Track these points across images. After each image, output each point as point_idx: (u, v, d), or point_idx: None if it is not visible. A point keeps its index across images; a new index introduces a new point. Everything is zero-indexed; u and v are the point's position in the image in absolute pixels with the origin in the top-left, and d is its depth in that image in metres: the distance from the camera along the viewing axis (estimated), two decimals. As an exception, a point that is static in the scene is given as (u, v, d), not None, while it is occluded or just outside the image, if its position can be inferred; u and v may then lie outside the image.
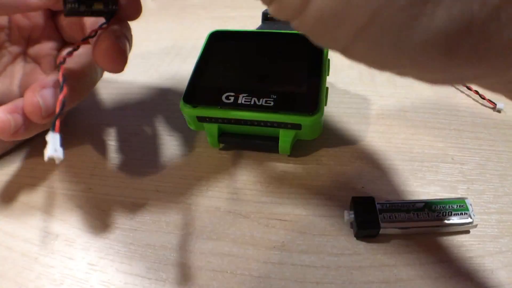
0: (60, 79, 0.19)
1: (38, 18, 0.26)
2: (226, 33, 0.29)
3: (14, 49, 0.26)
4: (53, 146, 0.16)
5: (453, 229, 0.21)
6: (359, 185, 0.24)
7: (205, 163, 0.26)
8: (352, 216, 0.21)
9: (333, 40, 0.12)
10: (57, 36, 0.27)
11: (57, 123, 0.17)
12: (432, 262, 0.20)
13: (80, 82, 0.25)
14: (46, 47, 0.27)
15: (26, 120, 0.22)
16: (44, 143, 0.16)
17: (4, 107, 0.22)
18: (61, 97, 0.18)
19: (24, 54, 0.27)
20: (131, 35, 0.24)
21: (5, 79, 0.25)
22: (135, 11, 0.22)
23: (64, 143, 0.22)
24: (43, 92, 0.22)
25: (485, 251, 0.21)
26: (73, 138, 0.24)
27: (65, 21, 0.27)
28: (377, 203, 0.22)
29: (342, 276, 0.20)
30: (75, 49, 0.21)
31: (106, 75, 0.27)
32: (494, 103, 0.29)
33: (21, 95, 0.26)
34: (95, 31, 0.21)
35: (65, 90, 0.19)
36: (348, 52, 0.12)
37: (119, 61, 0.22)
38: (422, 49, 0.11)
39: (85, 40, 0.21)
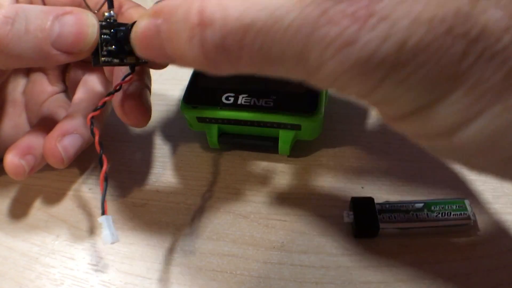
0: (98, 148, 0.18)
1: None
2: None
3: None
4: (110, 231, 0.17)
5: (452, 229, 0.21)
6: (358, 186, 0.24)
7: (205, 163, 0.26)
8: (352, 216, 0.21)
9: (467, 162, 0.13)
10: None
11: (105, 205, 0.17)
12: (431, 263, 0.20)
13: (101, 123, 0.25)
14: None
15: (38, 159, 0.22)
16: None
17: (15, 150, 0.21)
18: (102, 176, 0.18)
19: None
20: (150, 81, 0.23)
21: (9, 86, 0.25)
22: (163, 64, 0.21)
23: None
24: (64, 142, 0.21)
25: (484, 251, 0.21)
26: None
27: None
28: (377, 204, 0.22)
29: (341, 276, 0.20)
30: (102, 107, 0.20)
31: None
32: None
33: (26, 103, 0.26)
34: (120, 85, 0.20)
35: (104, 166, 0.18)
36: (475, 169, 0.13)
37: (144, 118, 0.21)
38: None
39: (111, 95, 0.20)
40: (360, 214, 0.21)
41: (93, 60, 0.18)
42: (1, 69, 0.21)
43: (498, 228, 0.22)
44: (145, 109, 0.21)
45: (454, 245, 0.21)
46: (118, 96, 0.21)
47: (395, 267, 0.20)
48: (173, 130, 0.29)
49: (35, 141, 0.22)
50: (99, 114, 0.20)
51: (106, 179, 0.18)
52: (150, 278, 0.21)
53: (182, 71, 0.35)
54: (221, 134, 0.26)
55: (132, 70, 0.20)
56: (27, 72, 0.26)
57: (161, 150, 0.27)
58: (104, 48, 0.18)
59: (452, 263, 0.20)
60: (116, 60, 0.18)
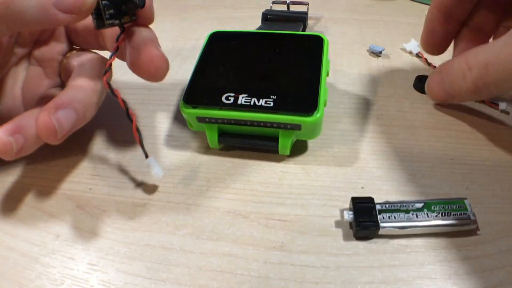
0: (123, 105, 0.22)
1: None
2: (226, 34, 0.29)
3: (21, 50, 0.25)
4: (157, 169, 0.23)
5: (452, 229, 0.21)
6: (358, 185, 0.24)
7: (205, 163, 0.26)
8: (352, 216, 0.21)
9: None
10: (65, 40, 0.27)
11: (145, 150, 0.23)
12: (431, 262, 0.20)
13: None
14: (52, 51, 0.26)
15: (28, 140, 0.21)
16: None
17: (5, 127, 0.21)
18: (134, 127, 0.22)
19: (29, 56, 0.26)
20: (155, 36, 0.24)
21: (9, 80, 0.25)
22: (149, 19, 0.23)
23: (65, 143, 0.23)
24: (58, 115, 0.21)
25: (484, 251, 0.21)
26: (73, 138, 0.24)
27: (81, 26, 0.26)
28: (377, 203, 0.22)
29: (341, 276, 0.20)
30: (109, 69, 0.22)
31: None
32: (495, 103, 0.29)
33: (24, 97, 0.26)
34: (117, 46, 0.22)
35: (134, 120, 0.22)
36: None
37: (163, 64, 0.22)
38: None
39: (113, 56, 0.22)
40: (360, 214, 0.21)
41: (97, 23, 0.21)
42: (6, 34, 0.22)
43: (498, 228, 0.22)
44: (162, 54, 0.22)
45: (454, 245, 0.21)
46: (132, 54, 0.22)
47: (395, 267, 0.20)
48: (173, 130, 0.29)
49: (26, 122, 0.22)
50: (108, 77, 0.22)
51: (138, 129, 0.22)
52: (150, 278, 0.21)
53: (182, 71, 0.35)
54: (221, 134, 0.26)
55: (123, 30, 0.22)
56: (27, 66, 0.26)
57: (161, 150, 0.27)
58: (107, 12, 0.21)
59: (452, 263, 0.20)
60: (116, 21, 0.21)
